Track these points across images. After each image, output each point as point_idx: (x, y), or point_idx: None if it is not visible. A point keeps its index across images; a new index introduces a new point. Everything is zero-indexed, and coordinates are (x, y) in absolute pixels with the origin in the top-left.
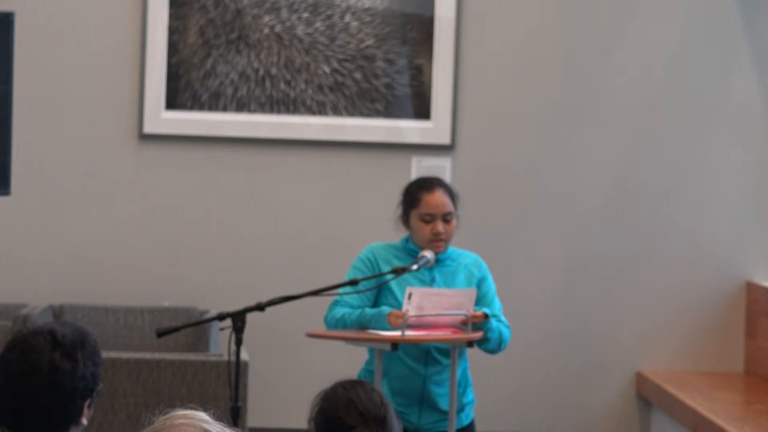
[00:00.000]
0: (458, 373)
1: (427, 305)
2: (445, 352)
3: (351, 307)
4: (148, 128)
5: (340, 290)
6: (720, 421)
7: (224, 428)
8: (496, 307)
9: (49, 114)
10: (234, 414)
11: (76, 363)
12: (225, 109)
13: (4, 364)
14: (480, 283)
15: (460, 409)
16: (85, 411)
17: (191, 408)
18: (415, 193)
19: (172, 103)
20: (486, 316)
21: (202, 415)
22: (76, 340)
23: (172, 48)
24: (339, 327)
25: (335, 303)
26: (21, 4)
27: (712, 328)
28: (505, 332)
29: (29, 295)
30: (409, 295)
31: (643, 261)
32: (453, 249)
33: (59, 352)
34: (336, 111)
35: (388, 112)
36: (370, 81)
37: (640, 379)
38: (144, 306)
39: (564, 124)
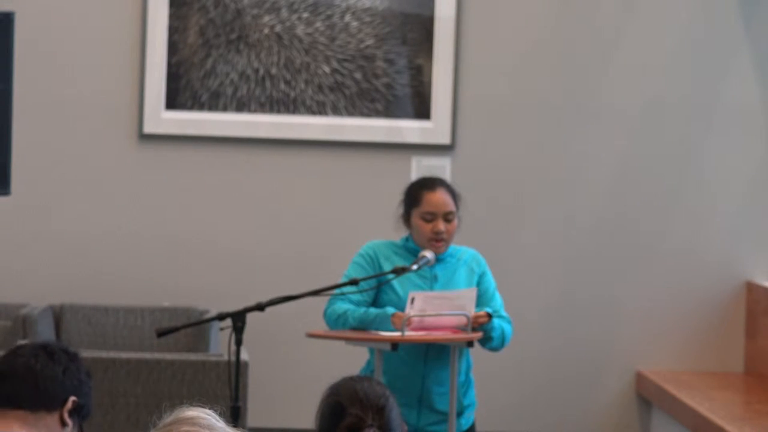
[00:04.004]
0: (461, 372)
1: (430, 309)
2: (446, 351)
3: (351, 302)
4: (148, 128)
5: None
6: (720, 421)
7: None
8: (497, 302)
9: (49, 114)
10: (234, 414)
11: (54, 358)
12: (225, 109)
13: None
14: (480, 279)
15: (460, 412)
16: (66, 414)
17: (199, 406)
18: (417, 191)
19: (172, 103)
20: (489, 316)
21: (209, 419)
22: (64, 349)
23: (172, 48)
24: (340, 323)
25: (335, 297)
26: (21, 4)
27: (712, 328)
28: (507, 329)
29: (29, 295)
30: (412, 300)
31: (642, 261)
32: (452, 246)
33: (43, 351)
34: (336, 111)
35: (388, 112)
36: (370, 81)
37: (640, 379)
38: (144, 306)
39: (564, 124)
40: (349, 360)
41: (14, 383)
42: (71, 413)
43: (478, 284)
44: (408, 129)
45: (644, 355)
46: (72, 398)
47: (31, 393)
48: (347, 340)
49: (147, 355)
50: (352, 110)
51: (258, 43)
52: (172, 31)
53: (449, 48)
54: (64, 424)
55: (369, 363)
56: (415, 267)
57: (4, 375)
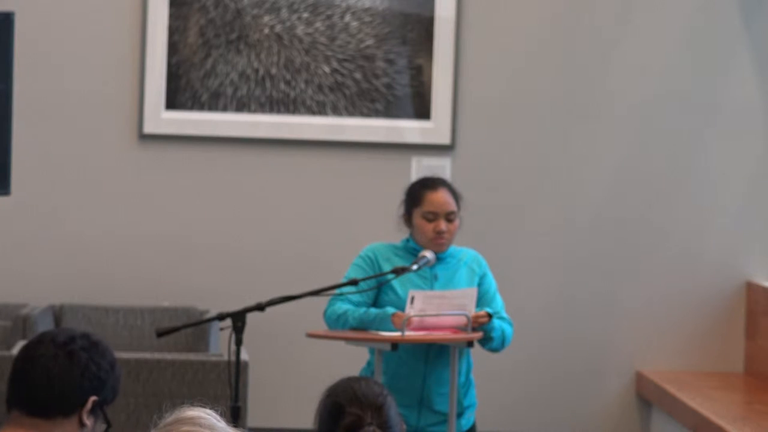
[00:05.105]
0: (462, 373)
1: (430, 308)
2: (446, 351)
3: (351, 303)
4: (148, 128)
5: (340, 291)
6: (720, 421)
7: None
8: (498, 303)
9: (49, 114)
10: (234, 414)
11: (74, 359)
12: (225, 109)
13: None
14: (481, 280)
15: (461, 413)
16: (84, 416)
17: (200, 406)
18: (419, 191)
19: (172, 103)
20: (489, 316)
21: (209, 419)
22: (85, 346)
23: (172, 48)
24: (340, 323)
25: (335, 297)
26: (21, 4)
27: (712, 328)
28: (508, 330)
29: (29, 295)
30: (412, 299)
31: (643, 261)
32: (452, 247)
33: (63, 351)
34: (336, 111)
35: (388, 112)
36: (370, 81)
37: (640, 380)
38: (144, 306)
39: (564, 124)
40: (349, 360)
41: (30, 389)
42: (91, 411)
43: (479, 285)
44: (408, 129)
45: (644, 355)
46: (92, 398)
47: (47, 401)
48: (347, 340)
49: (147, 355)
50: (352, 110)
51: (258, 43)
52: (172, 31)
53: (449, 48)
54: (82, 425)
55: (369, 363)
56: (415, 267)
57: (21, 379)
